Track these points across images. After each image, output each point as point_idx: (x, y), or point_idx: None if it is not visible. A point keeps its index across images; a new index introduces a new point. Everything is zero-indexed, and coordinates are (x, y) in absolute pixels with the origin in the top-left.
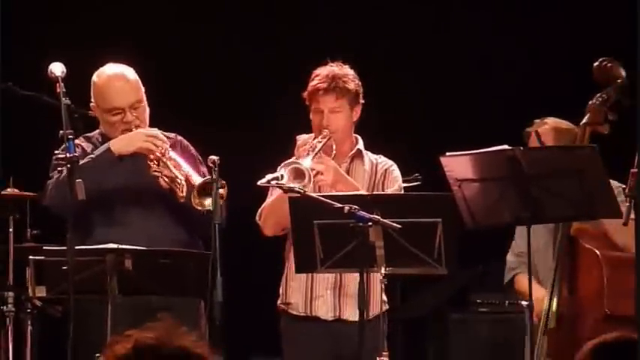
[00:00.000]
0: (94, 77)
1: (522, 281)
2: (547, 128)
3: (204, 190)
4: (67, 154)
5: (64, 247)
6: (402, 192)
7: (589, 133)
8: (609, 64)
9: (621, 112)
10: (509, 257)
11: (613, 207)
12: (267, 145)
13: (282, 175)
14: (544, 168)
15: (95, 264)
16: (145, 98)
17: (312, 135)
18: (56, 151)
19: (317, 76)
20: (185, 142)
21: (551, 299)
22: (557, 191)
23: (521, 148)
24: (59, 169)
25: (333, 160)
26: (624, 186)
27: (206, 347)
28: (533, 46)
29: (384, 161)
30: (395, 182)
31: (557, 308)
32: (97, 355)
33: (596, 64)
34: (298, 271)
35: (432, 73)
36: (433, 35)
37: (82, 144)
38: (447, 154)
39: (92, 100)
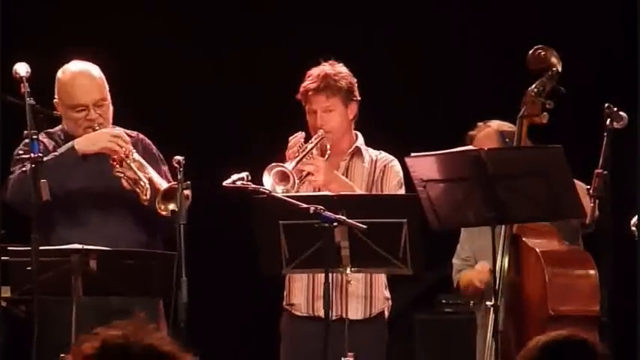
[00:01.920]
0: (59, 73)
1: (465, 274)
2: (490, 131)
3: (169, 195)
4: (32, 154)
5: (29, 248)
6: (403, 187)
7: (527, 125)
8: (543, 52)
9: (560, 101)
10: (455, 261)
11: (577, 207)
12: (240, 145)
13: (247, 175)
14: (509, 168)
15: (60, 264)
16: (109, 97)
17: (303, 135)
18: (18, 150)
19: (309, 76)
20: (147, 140)
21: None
22: (522, 192)
23: (486, 148)
24: (19, 165)
25: (331, 158)
26: (589, 187)
27: (174, 345)
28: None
29: (384, 157)
30: (395, 177)
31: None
32: (62, 355)
33: (530, 52)
34: (264, 271)
35: (417, 72)
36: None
37: (44, 140)
38: (412, 154)
39: (56, 96)
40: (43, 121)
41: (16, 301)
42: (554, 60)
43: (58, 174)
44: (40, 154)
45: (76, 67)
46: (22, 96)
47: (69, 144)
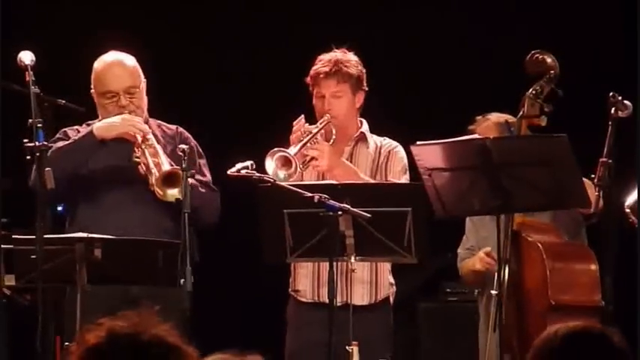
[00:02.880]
0: (95, 63)
1: (466, 262)
2: (490, 124)
3: (169, 179)
4: (36, 143)
5: (33, 236)
6: (407, 173)
7: (526, 127)
8: (541, 56)
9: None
10: (460, 250)
11: (582, 196)
12: (245, 134)
13: (252, 164)
14: (514, 157)
15: (64, 253)
16: (143, 87)
17: (304, 120)
18: (56, 136)
19: (320, 60)
20: (186, 134)
21: (500, 297)
22: (527, 181)
23: (491, 137)
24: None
25: (336, 144)
26: (593, 176)
27: (180, 337)
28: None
29: (388, 143)
30: (399, 163)
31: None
32: (67, 343)
33: (528, 56)
34: (268, 260)
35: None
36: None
37: (82, 130)
38: (418, 143)
39: (92, 86)
40: (47, 110)
41: (21, 290)
42: (551, 63)
43: (76, 158)
44: (45, 143)
45: (110, 56)
46: (26, 84)
47: (88, 128)
